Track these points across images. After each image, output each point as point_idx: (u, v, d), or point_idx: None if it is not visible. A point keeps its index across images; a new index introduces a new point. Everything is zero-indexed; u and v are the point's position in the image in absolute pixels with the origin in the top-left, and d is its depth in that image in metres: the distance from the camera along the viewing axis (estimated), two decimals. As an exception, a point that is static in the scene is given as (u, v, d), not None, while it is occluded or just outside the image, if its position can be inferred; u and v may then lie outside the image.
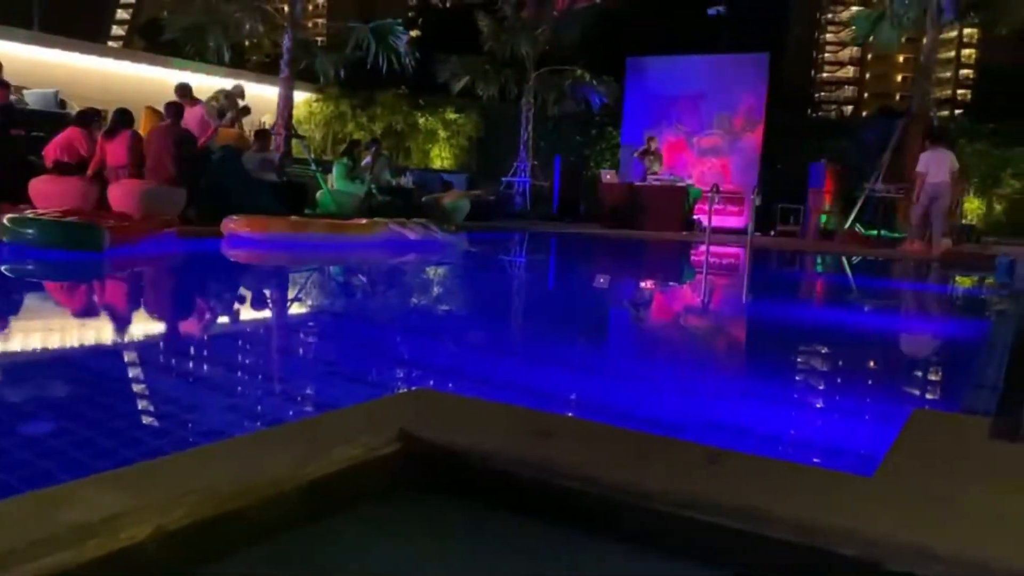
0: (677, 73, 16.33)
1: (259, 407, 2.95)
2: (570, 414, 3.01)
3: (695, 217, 14.46)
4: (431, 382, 3.40)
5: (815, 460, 2.68)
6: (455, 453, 1.35)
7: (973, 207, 16.46)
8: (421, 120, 19.74)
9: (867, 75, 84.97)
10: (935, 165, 11.62)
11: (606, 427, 1.52)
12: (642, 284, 8.94)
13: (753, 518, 1.15)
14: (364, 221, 9.80)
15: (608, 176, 15.19)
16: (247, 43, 18.66)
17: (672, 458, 1.35)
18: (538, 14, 17.23)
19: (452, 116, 19.63)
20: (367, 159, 13.23)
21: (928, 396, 3.96)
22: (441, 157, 19.65)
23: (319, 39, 26.30)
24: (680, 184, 14.29)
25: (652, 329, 5.85)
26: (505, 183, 17.44)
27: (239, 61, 20.57)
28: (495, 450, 1.32)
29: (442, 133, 19.71)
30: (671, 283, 9.34)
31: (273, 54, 16.57)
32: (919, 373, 4.61)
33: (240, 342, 4.35)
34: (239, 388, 3.25)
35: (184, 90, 10.56)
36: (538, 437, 1.37)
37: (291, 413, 2.84)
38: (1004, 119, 20.74)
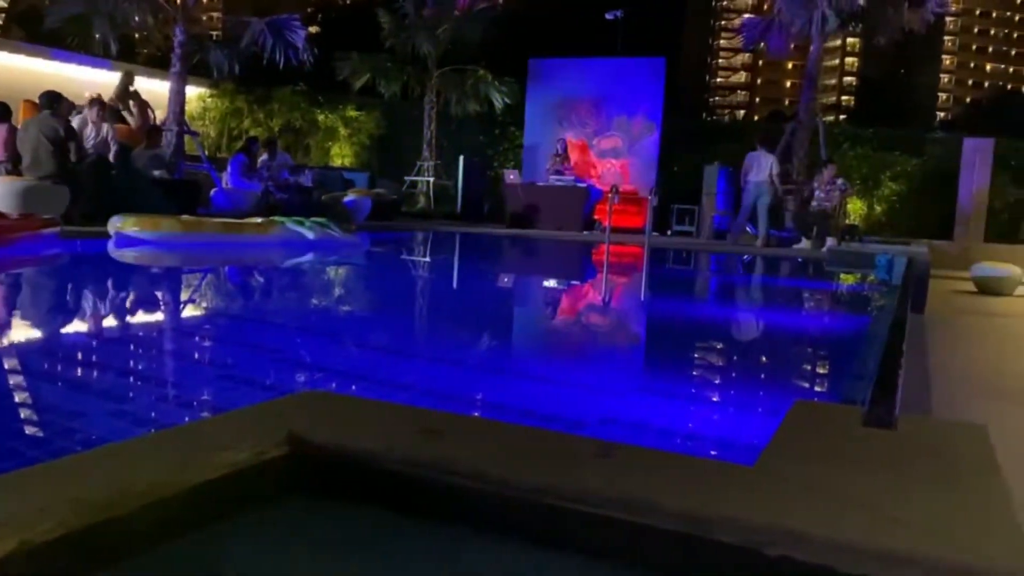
0: (577, 75, 16.56)
1: (152, 413, 2.84)
2: (474, 413, 3.02)
3: (596, 217, 14.70)
4: (333, 384, 3.34)
5: (712, 452, 2.76)
6: (345, 455, 1.32)
7: (856, 208, 17.32)
8: (321, 117, 19.36)
9: (758, 81, 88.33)
10: (757, 165, 12.59)
11: (497, 423, 1.53)
12: (543, 283, 9.04)
13: (641, 509, 1.17)
14: (260, 220, 9.53)
15: (511, 176, 15.28)
16: (136, 35, 17.89)
17: (563, 452, 1.36)
18: (439, 13, 17.17)
19: (353, 114, 19.33)
20: (264, 156, 12.90)
21: (817, 388, 4.15)
22: (342, 155, 19.33)
23: (214, 33, 25.47)
24: (581, 185, 14.52)
25: (552, 327, 5.92)
26: (408, 182, 17.30)
27: (128, 54, 19.71)
28: (385, 451, 1.30)
29: (342, 131, 19.39)
30: (571, 282, 9.47)
31: (164, 47, 15.94)
32: (807, 366, 4.82)
33: (128, 347, 4.17)
34: (129, 394, 3.11)
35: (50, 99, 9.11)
36: (429, 436, 1.36)
37: (185, 419, 2.74)
38: (883, 125, 21.97)
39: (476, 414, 3.08)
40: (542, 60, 17.11)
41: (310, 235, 9.17)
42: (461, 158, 17.16)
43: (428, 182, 17.30)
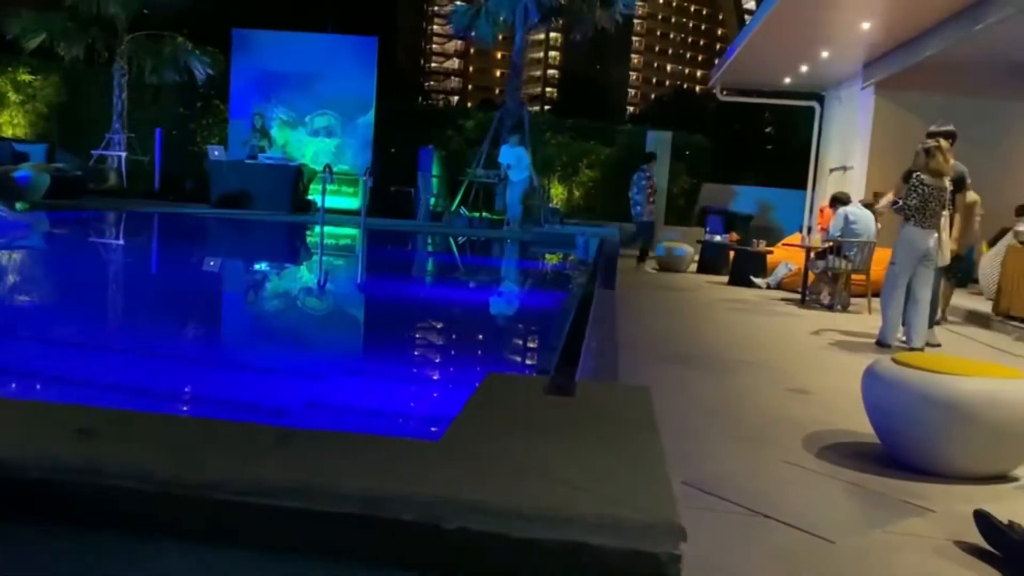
0: (287, 49, 15.94)
1: None
2: (167, 409, 2.78)
3: (309, 198, 14.30)
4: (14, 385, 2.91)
5: (433, 429, 2.78)
6: (-28, 465, 1.14)
7: (557, 193, 18.52)
8: (-15, 80, 16.85)
9: (471, 68, 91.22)
10: (517, 160, 13.24)
11: (164, 417, 1.40)
12: (247, 268, 8.60)
13: (320, 496, 1.13)
14: (-97, 197, 8.08)
15: (216, 153, 14.35)
16: None
17: (239, 443, 1.28)
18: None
19: (26, 78, 17.02)
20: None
21: (514, 361, 4.36)
22: (13, 125, 16.96)
23: None
24: (292, 164, 14.03)
25: (254, 313, 5.65)
26: (96, 157, 15.63)
27: None
28: (25, 456, 1.14)
29: (13, 97, 17.00)
30: (281, 265, 9.13)
31: None
32: (517, 341, 5.05)
33: None
34: None
35: None
36: (82, 437, 1.21)
37: None
38: (581, 116, 23.71)
39: (197, 408, 2.85)
40: (248, 31, 16.24)
41: (-30, 214, 7.93)
42: (158, 131, 15.80)
43: (120, 157, 15.75)
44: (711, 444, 3.30)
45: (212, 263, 8.83)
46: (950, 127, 6.13)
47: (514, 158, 13.15)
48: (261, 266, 8.74)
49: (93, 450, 1.18)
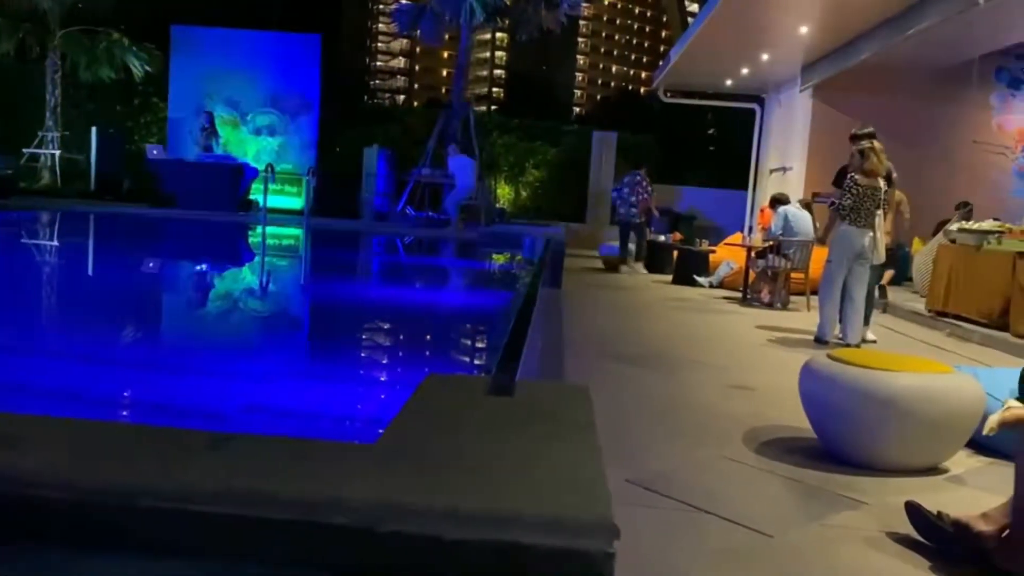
0: (227, 46, 15.64)
1: None
2: (104, 415, 2.70)
3: (252, 197, 14.07)
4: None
5: (379, 432, 2.75)
6: None
7: (504, 193, 18.53)
8: (-92, 76, 16.19)
9: (417, 67, 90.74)
10: (460, 169, 13.28)
11: (88, 422, 1.36)
12: (185, 269, 8.42)
13: (254, 502, 1.11)
14: None
15: (155, 151, 14.01)
16: None
17: (169, 449, 1.25)
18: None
19: (-47, 74, 16.44)
20: None
21: (476, 362, 4.34)
22: (-61, 122, 16.36)
23: None
24: (234, 163, 13.77)
25: (197, 316, 5.54)
26: (28, 155, 15.14)
27: None
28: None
29: (-61, 93, 16.40)
30: (223, 266, 8.96)
31: None
32: (467, 341, 5.04)
33: None
34: None
35: None
36: (1, 444, 1.16)
37: None
38: (528, 116, 23.75)
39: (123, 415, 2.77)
40: (188, 27, 15.89)
41: None
42: (94, 129, 15.37)
43: (53, 155, 15.28)
44: (655, 442, 3.34)
45: (148, 265, 8.61)
46: (870, 128, 6.35)
47: (458, 167, 13.22)
48: (199, 268, 8.56)
49: (12, 458, 1.14)
